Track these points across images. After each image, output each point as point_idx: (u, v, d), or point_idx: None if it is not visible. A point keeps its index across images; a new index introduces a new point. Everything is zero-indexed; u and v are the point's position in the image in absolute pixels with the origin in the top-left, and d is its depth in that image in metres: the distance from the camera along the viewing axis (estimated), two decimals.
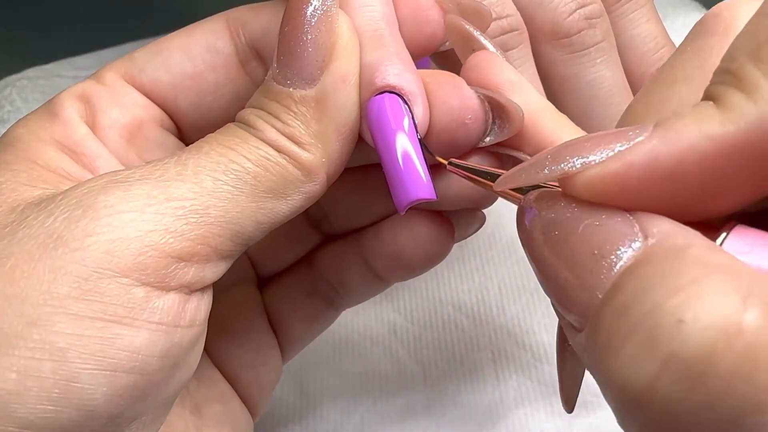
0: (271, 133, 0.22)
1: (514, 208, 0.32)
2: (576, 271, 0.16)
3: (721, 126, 0.15)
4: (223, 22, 0.26)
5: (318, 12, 0.22)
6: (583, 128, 0.24)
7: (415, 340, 0.39)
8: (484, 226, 0.29)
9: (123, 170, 0.20)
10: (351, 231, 0.29)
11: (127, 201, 0.19)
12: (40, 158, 0.22)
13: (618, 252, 0.16)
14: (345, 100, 0.22)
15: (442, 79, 0.24)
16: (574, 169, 0.16)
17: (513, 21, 0.27)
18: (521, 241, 0.18)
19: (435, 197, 0.23)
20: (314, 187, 0.22)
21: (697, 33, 0.20)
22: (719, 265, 0.14)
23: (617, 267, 0.15)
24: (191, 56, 0.25)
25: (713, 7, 0.20)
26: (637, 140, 0.16)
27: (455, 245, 0.27)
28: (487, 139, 0.24)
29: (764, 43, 0.15)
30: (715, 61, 0.17)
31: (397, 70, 0.23)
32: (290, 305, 0.30)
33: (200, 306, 0.21)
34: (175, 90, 0.25)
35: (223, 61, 0.26)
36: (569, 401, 0.22)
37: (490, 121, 0.24)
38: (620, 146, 0.16)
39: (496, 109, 0.23)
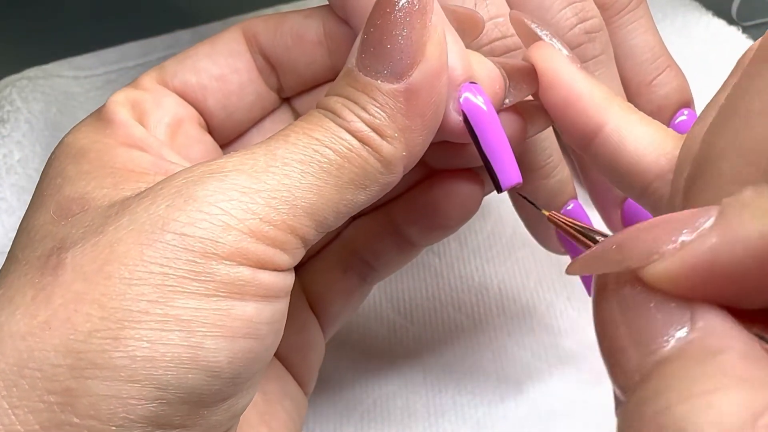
0: (357, 124, 0.22)
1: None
2: (627, 347, 0.17)
3: None
4: (240, 31, 0.27)
5: (414, 7, 0.22)
6: None
7: (415, 340, 0.39)
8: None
9: (215, 161, 0.22)
10: (377, 206, 0.31)
11: (223, 192, 0.21)
12: (117, 161, 0.23)
13: (664, 339, 0.16)
14: (436, 95, 0.23)
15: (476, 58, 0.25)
16: (638, 264, 0.17)
17: (518, 40, 0.28)
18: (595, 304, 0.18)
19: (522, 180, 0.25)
20: (392, 178, 0.23)
21: None
22: (742, 377, 0.15)
23: (658, 354, 0.16)
24: (215, 60, 0.27)
25: None
26: (701, 230, 0.16)
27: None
28: (507, 101, 0.26)
29: None
30: None
31: (470, 61, 0.24)
32: (326, 285, 0.31)
33: (287, 281, 0.22)
34: (204, 91, 0.27)
35: (244, 64, 0.27)
36: None
37: (507, 85, 0.25)
38: (684, 237, 0.16)
39: (510, 74, 0.25)
